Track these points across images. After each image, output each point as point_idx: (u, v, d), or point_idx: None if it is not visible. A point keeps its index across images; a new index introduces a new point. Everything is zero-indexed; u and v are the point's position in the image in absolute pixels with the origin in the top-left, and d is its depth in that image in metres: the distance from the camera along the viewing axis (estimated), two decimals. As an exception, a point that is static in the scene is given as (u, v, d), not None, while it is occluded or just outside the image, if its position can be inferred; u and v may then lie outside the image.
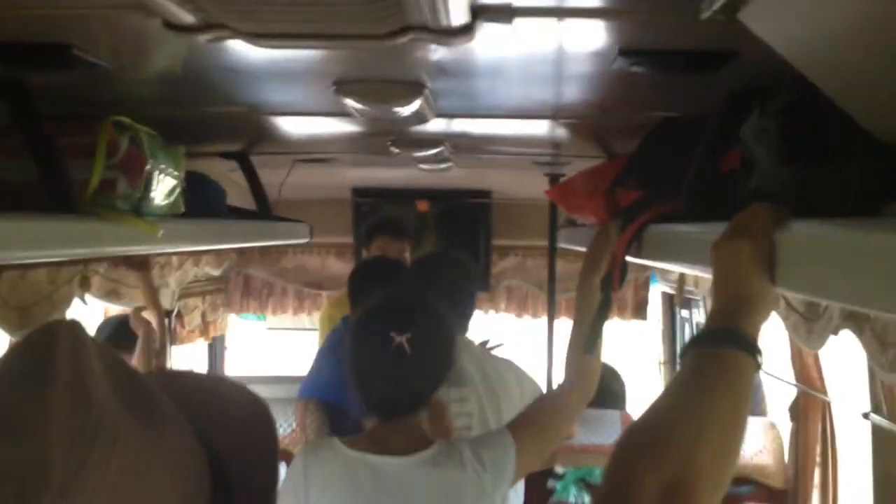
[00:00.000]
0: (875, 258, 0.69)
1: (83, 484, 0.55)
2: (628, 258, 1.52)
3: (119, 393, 0.60)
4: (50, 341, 0.60)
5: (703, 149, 1.40)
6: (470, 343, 2.28)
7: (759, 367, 0.86)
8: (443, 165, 2.73)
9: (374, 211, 3.72)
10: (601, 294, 1.54)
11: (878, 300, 0.71)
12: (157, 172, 1.60)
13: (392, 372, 1.57)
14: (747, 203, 1.12)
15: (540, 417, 1.68)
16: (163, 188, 1.64)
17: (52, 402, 0.57)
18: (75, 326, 0.62)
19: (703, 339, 0.89)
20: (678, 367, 0.89)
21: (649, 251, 1.41)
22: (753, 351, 0.86)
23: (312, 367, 2.76)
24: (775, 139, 1.11)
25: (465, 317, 2.25)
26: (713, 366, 0.85)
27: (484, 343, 2.54)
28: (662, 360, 4.01)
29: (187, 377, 0.74)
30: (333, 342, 2.71)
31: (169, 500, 0.61)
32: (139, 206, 1.58)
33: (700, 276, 1.26)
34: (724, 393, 0.83)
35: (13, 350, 0.61)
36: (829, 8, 0.80)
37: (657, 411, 0.85)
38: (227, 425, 0.69)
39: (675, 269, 1.61)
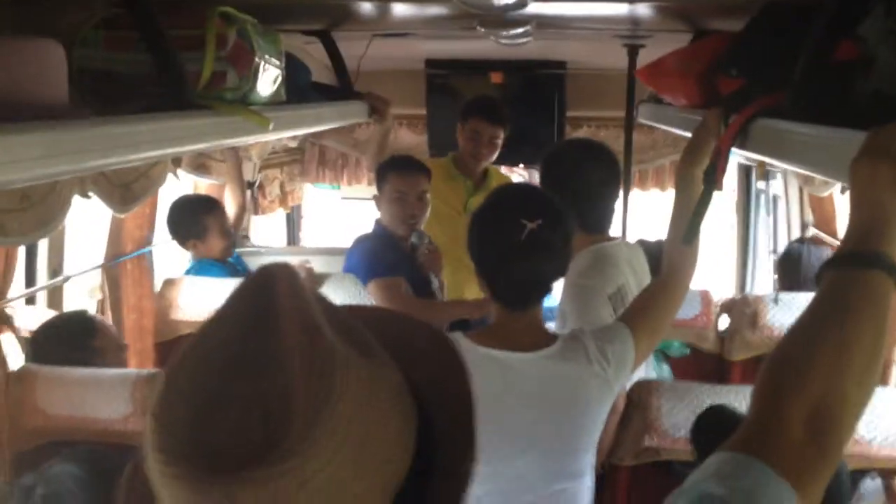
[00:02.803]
0: None
1: (330, 414, 0.57)
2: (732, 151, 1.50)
3: (336, 327, 0.62)
4: (270, 282, 0.62)
5: (815, 38, 1.35)
6: (628, 247, 2.19)
7: None
8: (521, 40, 2.70)
9: (447, 82, 3.69)
10: (704, 186, 1.52)
11: None
12: (262, 63, 1.63)
13: (525, 258, 1.54)
14: (866, 106, 1.11)
15: (652, 308, 1.67)
16: (267, 78, 1.68)
17: (287, 337, 0.58)
18: (289, 267, 0.64)
19: (840, 260, 0.88)
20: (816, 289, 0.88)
21: (756, 147, 1.38)
22: (893, 271, 0.85)
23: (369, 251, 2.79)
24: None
25: (607, 208, 2.14)
26: (854, 289, 0.85)
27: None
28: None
29: (373, 311, 0.76)
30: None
31: (394, 428, 0.63)
32: (247, 97, 1.62)
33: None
34: (866, 316, 0.83)
35: (236, 293, 0.63)
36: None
37: (799, 340, 0.85)
38: (419, 356, 0.71)
39: (784, 166, 1.59)
